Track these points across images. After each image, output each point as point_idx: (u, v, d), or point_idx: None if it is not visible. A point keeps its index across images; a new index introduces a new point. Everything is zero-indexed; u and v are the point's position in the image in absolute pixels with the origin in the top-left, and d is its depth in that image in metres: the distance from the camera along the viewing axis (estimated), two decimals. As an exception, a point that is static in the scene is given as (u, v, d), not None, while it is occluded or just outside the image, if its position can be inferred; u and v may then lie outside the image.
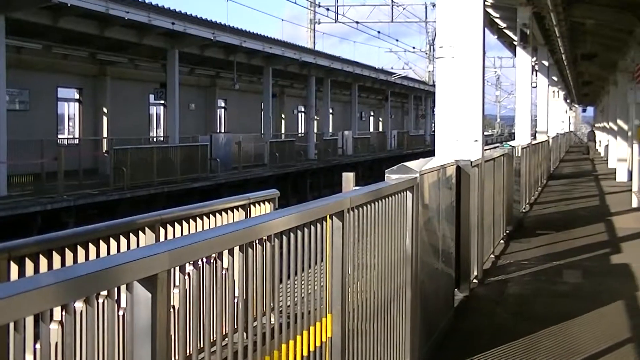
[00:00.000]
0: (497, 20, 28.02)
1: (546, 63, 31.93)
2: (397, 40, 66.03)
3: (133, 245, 6.13)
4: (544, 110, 32.04)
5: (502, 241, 13.77)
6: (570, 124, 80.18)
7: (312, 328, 4.40)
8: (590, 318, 8.74)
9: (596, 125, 63.85)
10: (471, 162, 9.75)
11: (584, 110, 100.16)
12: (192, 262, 3.17)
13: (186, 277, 3.32)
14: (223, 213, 7.74)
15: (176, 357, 4.94)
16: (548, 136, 31.12)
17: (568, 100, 67.15)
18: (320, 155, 47.98)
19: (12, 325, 2.20)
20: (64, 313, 2.46)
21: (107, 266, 2.58)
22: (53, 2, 24.74)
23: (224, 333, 4.69)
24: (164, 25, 30.93)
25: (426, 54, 73.22)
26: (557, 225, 16.60)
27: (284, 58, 42.83)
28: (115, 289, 2.73)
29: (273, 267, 3.90)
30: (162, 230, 6.78)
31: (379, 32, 60.30)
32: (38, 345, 2.36)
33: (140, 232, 6.43)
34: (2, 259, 5.04)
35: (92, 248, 5.75)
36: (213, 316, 3.36)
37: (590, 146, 54.64)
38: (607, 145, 45.13)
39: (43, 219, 22.69)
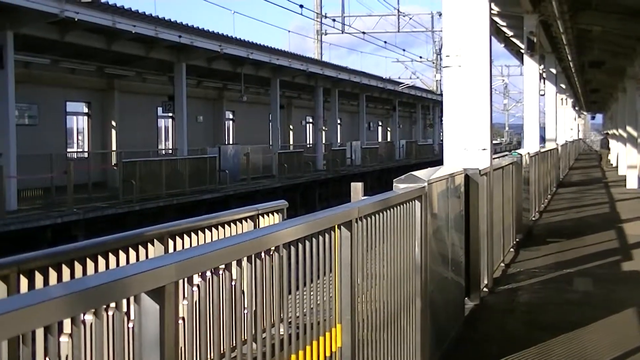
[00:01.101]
0: (504, 29, 28.03)
1: (554, 71, 31.90)
2: (403, 50, 65.98)
3: (142, 258, 6.13)
4: (553, 118, 31.99)
5: (512, 249, 13.73)
6: (579, 131, 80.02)
7: (321, 338, 4.39)
8: (601, 326, 8.71)
9: (607, 132, 63.05)
10: (480, 170, 9.74)
11: (593, 118, 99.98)
12: (200, 274, 3.16)
13: (194, 288, 3.32)
14: (232, 224, 7.74)
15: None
16: (557, 144, 31.07)
17: (576, 108, 67.07)
18: (328, 166, 47.98)
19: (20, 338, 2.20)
20: (73, 326, 2.45)
21: (114, 278, 2.57)
22: (60, 17, 24.80)
23: (233, 345, 4.68)
24: (170, 38, 31.00)
25: (433, 63, 73.24)
26: (567, 233, 16.55)
27: (291, 69, 42.88)
28: (125, 301, 2.73)
29: (282, 278, 3.89)
30: (170, 242, 6.78)
31: (385, 42, 60.38)
32: (48, 359, 2.35)
33: (149, 244, 6.43)
34: (12, 272, 5.05)
35: (101, 261, 5.75)
36: (222, 328, 3.36)
37: (602, 154, 53.13)
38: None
39: (53, 232, 22.73)
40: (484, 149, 10.27)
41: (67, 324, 4.02)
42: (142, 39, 30.40)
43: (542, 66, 27.61)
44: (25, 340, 2.17)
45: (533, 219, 18.61)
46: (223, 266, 3.36)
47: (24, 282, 5.12)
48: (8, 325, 2.07)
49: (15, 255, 5.37)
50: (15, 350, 2.16)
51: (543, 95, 31.02)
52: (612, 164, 49.69)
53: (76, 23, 26.02)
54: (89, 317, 2.57)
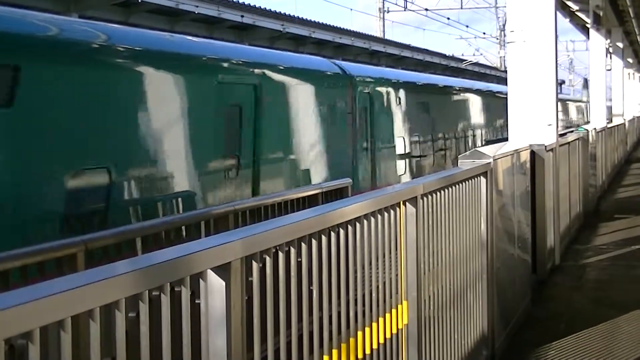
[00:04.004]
0: (569, 3, 27.58)
1: (620, 45, 31.35)
2: (467, 27, 65.29)
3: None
4: (619, 93, 31.47)
5: (578, 226, 13.57)
6: (646, 106, 78.51)
7: (387, 315, 4.37)
8: (671, 303, 8.56)
9: None
10: (545, 146, 9.62)
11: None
12: (265, 251, 3.16)
13: (260, 265, 3.32)
14: (296, 202, 7.75)
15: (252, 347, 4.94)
16: (624, 119, 30.58)
17: (644, 83, 65.77)
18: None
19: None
20: (140, 302, 2.46)
21: (180, 254, 2.58)
22: (124, -1, 25.03)
23: (299, 322, 4.68)
24: (233, 18, 31.09)
25: (497, 39, 72.49)
26: (636, 209, 16.28)
27: (353, 48, 42.74)
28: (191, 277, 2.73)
29: (347, 255, 3.88)
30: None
31: (448, 18, 59.84)
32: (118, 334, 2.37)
33: (215, 222, 6.47)
34: (79, 250, 5.11)
35: (167, 238, 5.81)
36: (288, 305, 3.36)
37: None
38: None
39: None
40: (550, 125, 10.14)
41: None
42: (204, 19, 30.51)
43: (608, 40, 27.11)
44: (93, 316, 2.18)
45: (600, 195, 18.35)
46: (289, 243, 3.35)
47: (91, 260, 5.18)
48: (76, 302, 2.08)
49: (83, 235, 5.44)
50: (86, 326, 2.17)
51: (609, 70, 30.51)
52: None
53: (140, 4, 26.21)
54: (155, 295, 2.57)
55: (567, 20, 31.01)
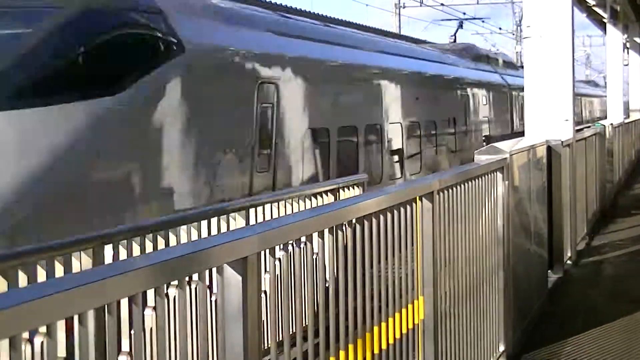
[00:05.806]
0: (586, -2, 27.46)
1: (638, 40, 31.14)
2: (482, 22, 64.94)
3: (224, 230, 6.18)
4: (637, 88, 31.30)
5: (595, 221, 13.51)
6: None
7: (404, 311, 4.37)
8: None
9: None
10: (562, 141, 9.60)
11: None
12: (282, 245, 3.16)
13: (276, 261, 3.32)
14: (312, 198, 7.74)
15: (268, 342, 4.95)
16: (641, 115, 30.42)
17: (661, 78, 65.40)
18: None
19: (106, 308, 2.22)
20: (157, 297, 2.47)
21: (197, 249, 2.58)
22: None
23: (315, 317, 4.69)
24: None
25: (513, 34, 72.23)
26: (653, 204, 16.22)
27: (369, 43, 42.70)
28: (207, 274, 2.74)
29: (363, 250, 3.88)
30: (252, 215, 6.82)
31: (464, 13, 59.59)
32: (133, 331, 2.38)
33: (231, 217, 6.48)
34: (97, 245, 5.13)
35: (183, 233, 5.81)
36: (304, 300, 3.36)
37: None
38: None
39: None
40: (567, 120, 10.11)
41: (151, 295, 4.07)
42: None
43: (625, 36, 26.94)
44: (110, 310, 2.19)
45: (617, 190, 18.27)
46: (305, 238, 3.35)
47: (108, 255, 5.19)
48: (94, 295, 2.09)
49: (99, 230, 5.45)
50: (102, 319, 2.18)
51: (627, 65, 30.36)
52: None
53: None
54: (172, 290, 2.58)
55: (584, 15, 30.84)
